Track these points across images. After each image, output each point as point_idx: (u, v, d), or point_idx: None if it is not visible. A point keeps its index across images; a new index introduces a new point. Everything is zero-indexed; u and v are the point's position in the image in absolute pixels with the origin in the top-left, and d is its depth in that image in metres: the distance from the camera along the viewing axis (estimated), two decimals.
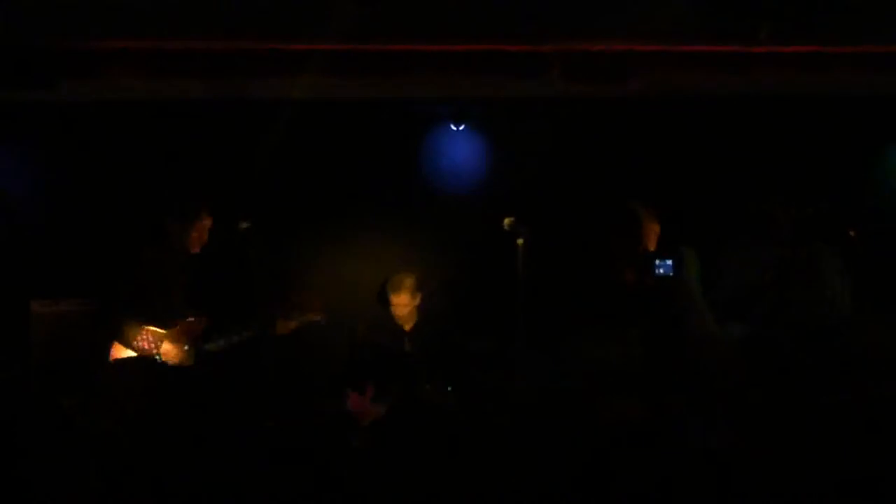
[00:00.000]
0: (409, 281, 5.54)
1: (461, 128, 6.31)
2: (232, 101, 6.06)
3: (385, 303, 5.62)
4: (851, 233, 5.31)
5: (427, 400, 5.20)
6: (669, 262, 5.00)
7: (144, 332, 5.01)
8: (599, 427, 4.53)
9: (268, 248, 5.38)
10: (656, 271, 5.03)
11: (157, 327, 5.04)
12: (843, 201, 5.76)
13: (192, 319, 5.14)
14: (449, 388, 5.25)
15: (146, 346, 5.00)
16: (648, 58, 5.69)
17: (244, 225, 5.28)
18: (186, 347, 5.09)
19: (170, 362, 5.01)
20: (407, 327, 5.58)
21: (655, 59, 5.71)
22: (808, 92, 6.23)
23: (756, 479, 3.79)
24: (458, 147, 6.38)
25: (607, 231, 5.33)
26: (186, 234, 5.15)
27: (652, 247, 5.30)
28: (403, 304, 5.52)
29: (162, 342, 5.04)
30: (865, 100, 6.27)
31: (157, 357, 5.01)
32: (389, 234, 6.22)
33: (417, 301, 5.57)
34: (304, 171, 6.19)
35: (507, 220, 5.14)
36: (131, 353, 4.97)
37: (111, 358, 4.95)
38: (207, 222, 5.21)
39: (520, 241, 5.04)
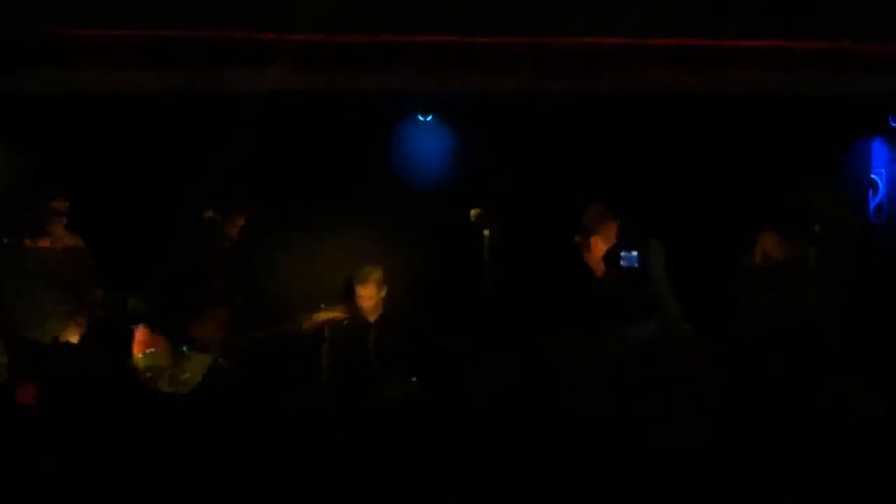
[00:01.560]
0: (375, 274, 5.54)
1: (428, 118, 6.32)
2: (197, 93, 6.01)
3: (351, 295, 5.62)
4: (816, 227, 5.35)
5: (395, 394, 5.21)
6: (634, 253, 5.04)
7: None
8: (567, 418, 4.53)
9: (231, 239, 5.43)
10: (621, 263, 5.06)
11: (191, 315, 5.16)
12: (812, 198, 5.80)
13: (221, 310, 5.26)
14: (413, 379, 5.24)
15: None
16: (621, 53, 5.70)
17: (209, 214, 5.31)
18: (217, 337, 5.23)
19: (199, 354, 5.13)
20: (371, 318, 5.57)
21: (628, 54, 5.73)
22: (779, 89, 6.27)
23: (723, 474, 3.80)
24: (427, 139, 6.38)
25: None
26: (230, 226, 5.40)
27: (609, 243, 5.36)
28: (369, 296, 5.51)
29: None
30: (838, 97, 6.30)
31: (185, 349, 5.11)
32: (356, 226, 6.20)
33: (383, 293, 5.57)
34: (270, 162, 6.16)
35: (474, 212, 5.15)
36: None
37: (137, 343, 5.04)
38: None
39: (486, 232, 5.05)
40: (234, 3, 4.97)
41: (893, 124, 6.50)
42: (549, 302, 5.60)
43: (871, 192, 6.53)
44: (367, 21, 5.29)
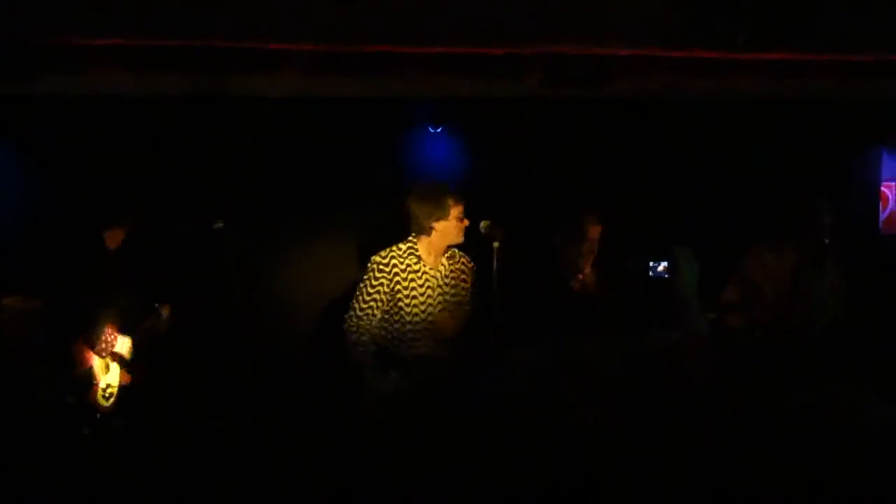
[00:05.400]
0: None
1: (439, 130, 6.31)
2: (210, 99, 6.04)
3: None
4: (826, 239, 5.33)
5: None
6: (664, 263, 4.99)
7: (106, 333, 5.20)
8: (574, 431, 4.52)
9: (242, 247, 5.41)
10: (651, 273, 5.03)
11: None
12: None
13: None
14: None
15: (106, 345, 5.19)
16: (628, 62, 5.69)
17: (219, 224, 5.30)
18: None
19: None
20: None
21: (635, 63, 5.72)
22: (784, 97, 6.27)
23: (737, 484, 3.80)
24: (436, 149, 6.37)
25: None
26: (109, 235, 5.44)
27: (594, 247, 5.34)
28: None
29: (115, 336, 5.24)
30: (840, 105, 6.31)
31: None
32: (365, 235, 6.20)
33: None
34: (280, 169, 6.18)
35: (483, 223, 5.13)
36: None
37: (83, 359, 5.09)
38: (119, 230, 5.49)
39: (496, 244, 5.03)
40: (247, 12, 4.97)
41: None
42: (553, 312, 5.60)
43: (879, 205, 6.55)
44: (373, 30, 5.28)
